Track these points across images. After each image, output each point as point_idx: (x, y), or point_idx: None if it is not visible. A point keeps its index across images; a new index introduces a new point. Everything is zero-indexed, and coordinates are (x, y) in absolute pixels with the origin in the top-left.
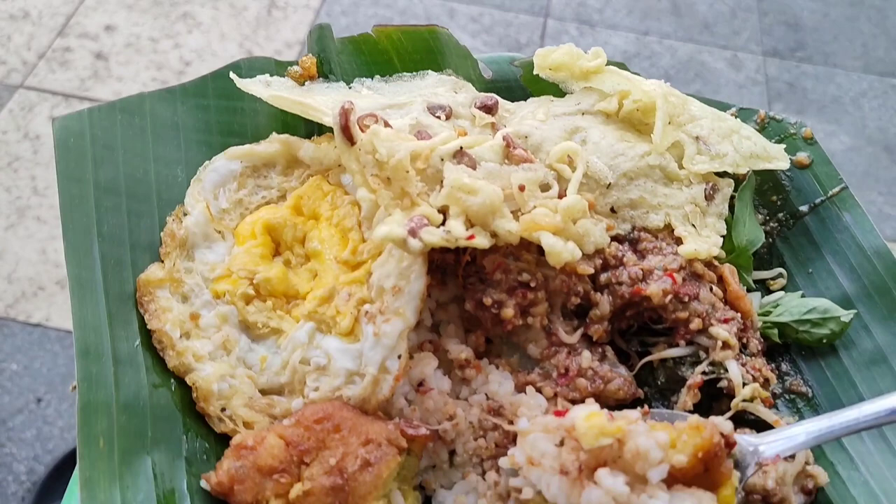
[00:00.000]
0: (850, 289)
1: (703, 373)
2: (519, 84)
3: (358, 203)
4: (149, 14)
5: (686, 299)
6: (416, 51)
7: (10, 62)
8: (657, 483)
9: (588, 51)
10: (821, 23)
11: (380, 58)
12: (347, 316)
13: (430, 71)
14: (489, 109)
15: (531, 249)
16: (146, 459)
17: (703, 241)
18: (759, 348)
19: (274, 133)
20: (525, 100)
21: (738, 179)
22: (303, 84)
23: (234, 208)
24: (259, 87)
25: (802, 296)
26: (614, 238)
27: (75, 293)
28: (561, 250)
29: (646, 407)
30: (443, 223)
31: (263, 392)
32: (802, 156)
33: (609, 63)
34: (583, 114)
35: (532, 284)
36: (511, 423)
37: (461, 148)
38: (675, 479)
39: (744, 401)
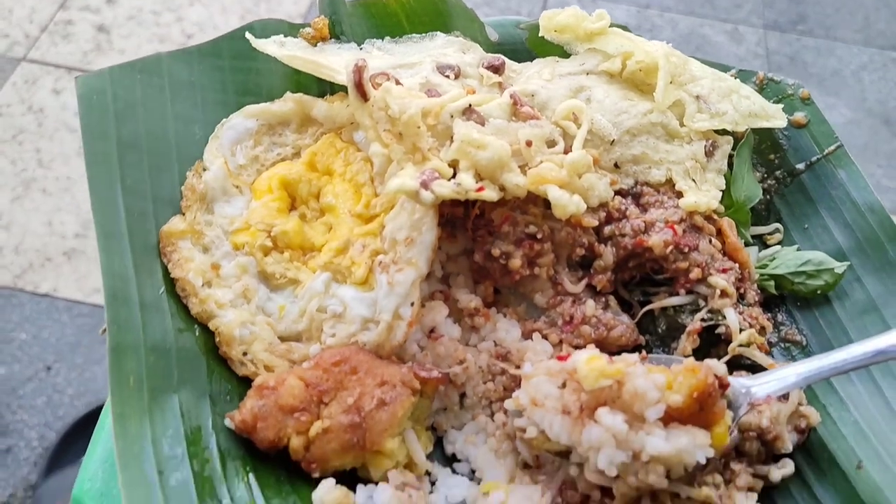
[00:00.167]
0: (844, 242)
1: (702, 319)
2: (524, 47)
3: (370, 159)
4: None
5: (686, 250)
6: (425, 13)
7: (13, 35)
8: (654, 421)
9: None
10: None
11: (389, 20)
12: (362, 266)
13: (438, 32)
14: (496, 69)
15: (538, 203)
16: (173, 398)
17: (702, 194)
18: (756, 299)
19: (288, 92)
20: (531, 62)
21: (736, 137)
22: (315, 45)
23: (250, 164)
24: (273, 46)
25: (798, 249)
26: (618, 192)
27: (102, 244)
28: (567, 203)
29: (643, 352)
30: (453, 177)
31: (282, 339)
32: (799, 115)
33: (612, 26)
34: (587, 74)
35: (539, 236)
36: (518, 367)
37: (470, 105)
38: (671, 417)
39: (740, 346)
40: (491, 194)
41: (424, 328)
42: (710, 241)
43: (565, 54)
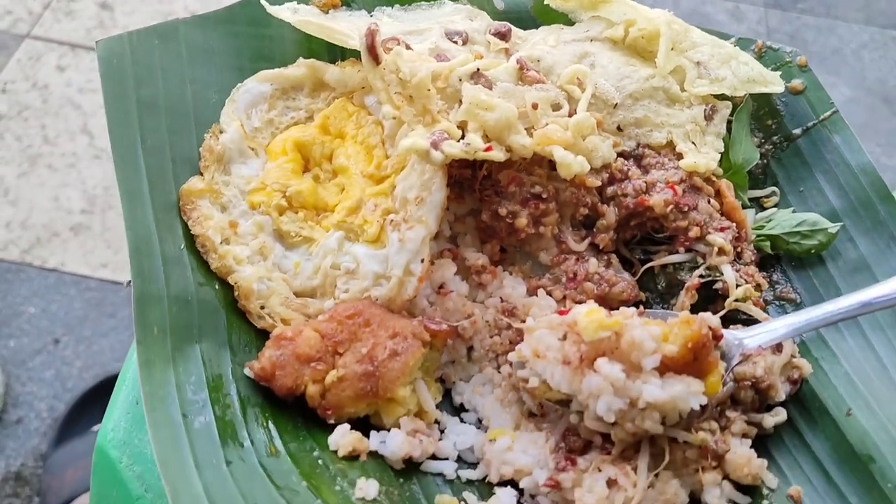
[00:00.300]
0: (838, 204)
1: (701, 276)
2: (529, 15)
3: (380, 122)
4: None
5: (686, 209)
6: None
7: (16, 11)
8: (650, 371)
9: None
10: None
11: None
12: (374, 224)
13: (446, 0)
14: (503, 36)
15: (543, 164)
16: (195, 348)
17: (702, 156)
18: (753, 258)
19: (301, 58)
20: (536, 29)
21: (735, 102)
22: (327, 12)
23: (265, 127)
24: (287, 13)
25: (793, 211)
26: (620, 154)
27: (125, 201)
28: (571, 162)
29: (641, 307)
30: (461, 138)
31: (297, 294)
32: (797, 82)
33: None
34: (591, 40)
35: (544, 196)
36: (524, 322)
37: (478, 69)
38: (666, 367)
39: (737, 300)
40: (498, 154)
41: (434, 284)
42: (709, 202)
43: (569, 22)
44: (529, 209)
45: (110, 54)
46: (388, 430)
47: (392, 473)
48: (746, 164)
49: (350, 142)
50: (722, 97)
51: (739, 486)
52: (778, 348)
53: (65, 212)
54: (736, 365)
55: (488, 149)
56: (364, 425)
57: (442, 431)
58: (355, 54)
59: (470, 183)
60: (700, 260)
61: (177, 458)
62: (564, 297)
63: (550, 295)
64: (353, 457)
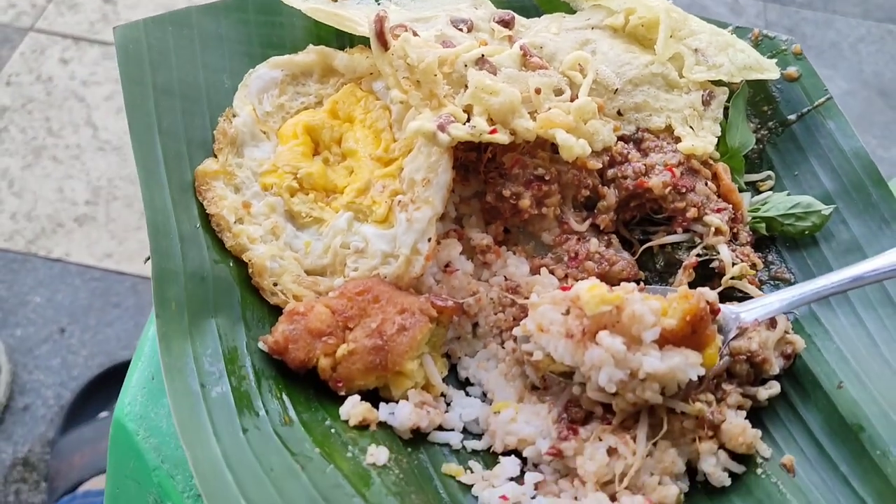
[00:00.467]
0: (831, 187)
1: (698, 255)
2: (532, 3)
3: (388, 107)
4: None
5: (683, 191)
6: None
7: (20, 5)
8: (650, 343)
9: None
10: None
11: None
12: (382, 205)
13: None
14: (507, 23)
15: (545, 148)
16: (211, 322)
17: (699, 140)
18: (748, 239)
19: (310, 45)
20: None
21: (732, 89)
22: (335, 0)
23: (276, 112)
24: (298, 1)
25: (788, 194)
26: (620, 138)
27: (144, 181)
28: (573, 145)
29: (641, 284)
30: (467, 121)
31: (308, 273)
32: (792, 70)
33: None
34: (592, 28)
35: (546, 178)
36: (527, 299)
37: (483, 55)
38: (665, 340)
39: (732, 278)
40: (503, 137)
41: (440, 263)
42: (706, 184)
43: (571, 11)
44: (532, 191)
45: (127, 41)
46: (397, 402)
47: (400, 443)
48: (743, 148)
49: (359, 126)
50: (719, 83)
51: (734, 456)
52: (772, 324)
53: (69, 203)
54: (733, 338)
55: (493, 131)
56: (373, 397)
57: (448, 404)
58: (363, 41)
59: (475, 165)
60: (697, 240)
61: (196, 426)
62: (566, 276)
63: (553, 273)
64: (363, 426)
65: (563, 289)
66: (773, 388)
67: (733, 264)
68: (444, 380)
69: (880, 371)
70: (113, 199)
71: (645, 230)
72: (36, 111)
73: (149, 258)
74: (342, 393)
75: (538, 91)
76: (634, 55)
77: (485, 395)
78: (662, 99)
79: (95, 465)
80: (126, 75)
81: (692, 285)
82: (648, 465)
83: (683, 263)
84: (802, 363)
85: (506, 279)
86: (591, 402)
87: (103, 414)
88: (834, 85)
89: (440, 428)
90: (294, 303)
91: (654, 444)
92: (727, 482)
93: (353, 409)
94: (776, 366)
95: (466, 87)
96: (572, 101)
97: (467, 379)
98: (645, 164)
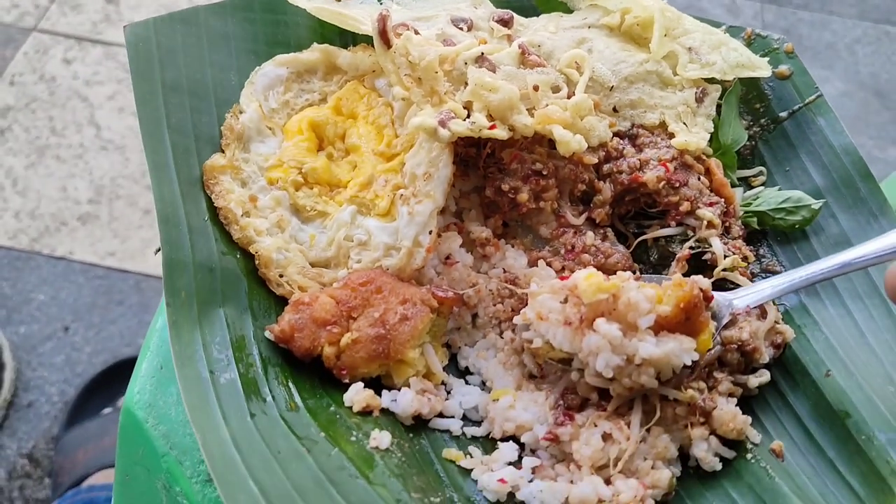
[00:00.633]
0: (821, 182)
1: (691, 248)
2: (530, 3)
3: (390, 104)
4: None
5: (677, 185)
6: None
7: (23, 5)
8: (645, 329)
9: None
10: None
11: None
12: (384, 199)
13: None
14: (506, 23)
15: (543, 143)
16: (219, 311)
17: (692, 135)
18: (740, 233)
19: (315, 43)
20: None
21: (725, 86)
22: (339, 1)
23: (281, 108)
24: (303, 0)
25: (779, 189)
26: (616, 134)
27: (154, 175)
28: (570, 141)
29: (637, 273)
30: (467, 117)
31: (313, 265)
32: (784, 68)
33: None
34: (589, 27)
35: (544, 173)
36: (525, 290)
37: (483, 53)
38: (660, 326)
39: (724, 270)
40: (501, 133)
41: (440, 255)
42: (699, 179)
43: (568, 10)
44: (530, 185)
45: (136, 39)
46: (399, 390)
47: (402, 428)
48: (735, 144)
49: (362, 122)
50: (712, 81)
51: (725, 441)
52: (763, 314)
53: (73, 202)
54: (725, 324)
55: (492, 127)
56: (376, 385)
57: (448, 392)
58: (366, 39)
59: (474, 161)
60: (690, 233)
61: (205, 410)
62: (563, 268)
63: (550, 266)
64: (366, 412)
65: (562, 278)
66: (763, 376)
67: (725, 256)
68: (444, 368)
69: (866, 360)
70: (116, 197)
71: (639, 224)
72: (39, 111)
73: (159, 249)
74: (346, 380)
75: (536, 88)
76: (630, 53)
77: (484, 383)
78: (657, 96)
79: (99, 461)
80: (136, 73)
81: (685, 277)
82: (642, 450)
83: (677, 256)
84: (792, 352)
85: (504, 271)
86: (587, 390)
87: (107, 410)
88: (830, 86)
89: (441, 415)
90: (299, 293)
91: (648, 430)
92: (718, 467)
93: (357, 395)
94: (766, 355)
95: (466, 84)
96: (569, 98)
97: (467, 368)
98: (639, 160)
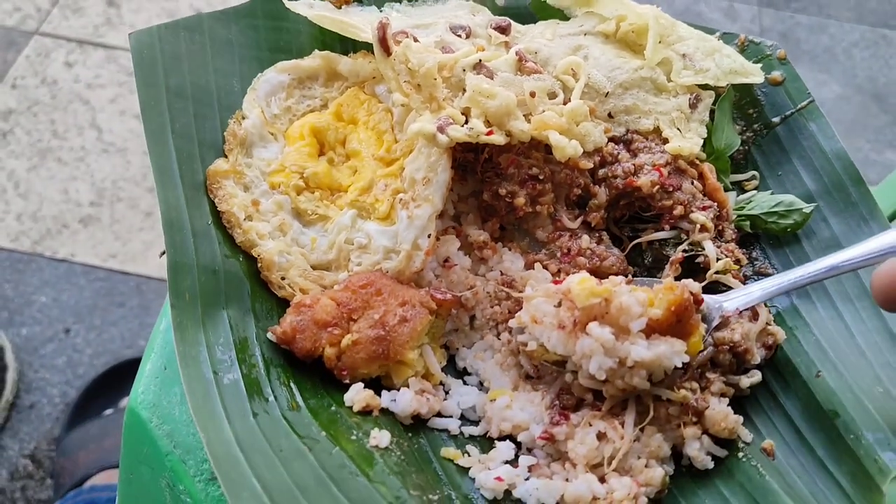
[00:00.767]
0: (813, 186)
1: (684, 251)
2: (528, 10)
3: (390, 110)
4: None
5: (671, 189)
6: None
7: (25, 8)
8: (637, 332)
9: None
10: None
11: None
12: (384, 203)
13: None
14: (503, 30)
15: (540, 148)
16: (223, 313)
17: (686, 141)
18: (733, 237)
19: (316, 50)
20: (534, 24)
21: (718, 92)
22: (340, 8)
23: (283, 114)
24: (304, 8)
25: (772, 193)
26: (611, 139)
27: (158, 179)
28: (566, 146)
29: (630, 277)
30: (465, 123)
31: (314, 267)
32: (776, 74)
33: None
34: (585, 34)
35: (540, 177)
36: (522, 292)
37: (480, 60)
38: (652, 329)
39: (717, 273)
40: (499, 138)
41: (439, 258)
42: (693, 183)
43: (565, 17)
44: (527, 189)
45: (141, 45)
46: (398, 390)
47: (401, 428)
48: (728, 149)
49: (362, 127)
50: (706, 87)
51: (717, 440)
52: (754, 316)
53: (74, 204)
54: (716, 326)
55: (490, 133)
56: (376, 385)
57: (447, 392)
58: (367, 46)
59: (472, 166)
60: (684, 236)
61: (209, 410)
62: (559, 271)
63: (546, 268)
64: (366, 412)
65: (556, 282)
66: (755, 376)
67: (718, 259)
68: (442, 369)
69: (856, 361)
70: (117, 200)
71: (634, 227)
72: (41, 114)
73: (164, 252)
74: (346, 381)
75: (533, 94)
76: (625, 60)
77: (481, 383)
78: (651, 102)
79: (101, 462)
80: (141, 79)
81: (678, 280)
82: (636, 449)
83: (670, 259)
84: (783, 353)
85: (501, 274)
86: (581, 390)
87: (108, 411)
88: (828, 89)
89: (439, 414)
90: (301, 295)
91: (642, 430)
92: (710, 465)
93: (357, 395)
94: (758, 356)
95: (465, 90)
96: (565, 104)
97: (465, 368)
98: (634, 164)
